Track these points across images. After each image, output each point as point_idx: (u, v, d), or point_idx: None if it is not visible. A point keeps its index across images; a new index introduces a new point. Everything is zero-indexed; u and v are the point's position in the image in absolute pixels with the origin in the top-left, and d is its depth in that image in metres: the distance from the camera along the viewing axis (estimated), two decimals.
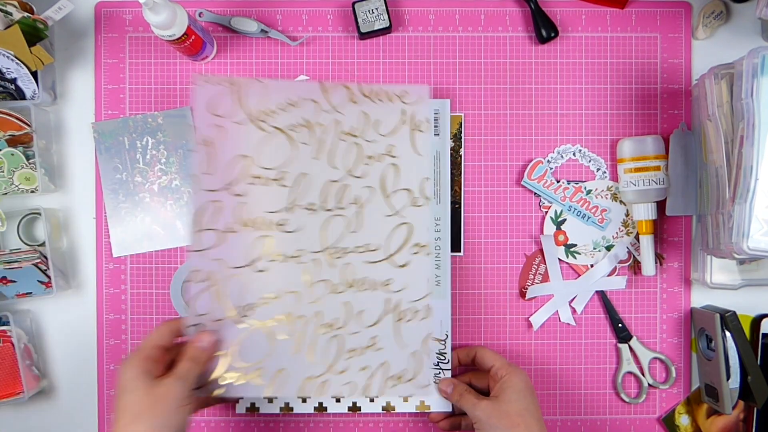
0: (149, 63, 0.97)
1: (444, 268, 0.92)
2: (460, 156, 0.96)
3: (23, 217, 0.96)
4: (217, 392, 0.83)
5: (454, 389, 0.88)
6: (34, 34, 0.89)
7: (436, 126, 0.92)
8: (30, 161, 0.92)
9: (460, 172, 0.96)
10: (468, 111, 0.97)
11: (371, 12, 0.94)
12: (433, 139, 0.92)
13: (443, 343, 0.90)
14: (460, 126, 0.96)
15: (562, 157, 0.96)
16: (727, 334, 0.90)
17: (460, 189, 0.96)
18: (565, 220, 0.96)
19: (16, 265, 0.90)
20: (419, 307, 0.87)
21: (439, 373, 0.91)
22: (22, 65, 0.88)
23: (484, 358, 0.89)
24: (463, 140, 0.96)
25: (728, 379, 0.90)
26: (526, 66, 0.97)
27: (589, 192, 0.96)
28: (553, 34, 0.94)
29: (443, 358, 0.91)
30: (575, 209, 0.96)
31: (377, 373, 0.87)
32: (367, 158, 0.87)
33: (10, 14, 0.88)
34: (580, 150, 0.96)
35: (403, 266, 0.87)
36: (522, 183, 0.95)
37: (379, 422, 0.97)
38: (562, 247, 0.96)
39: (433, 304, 0.89)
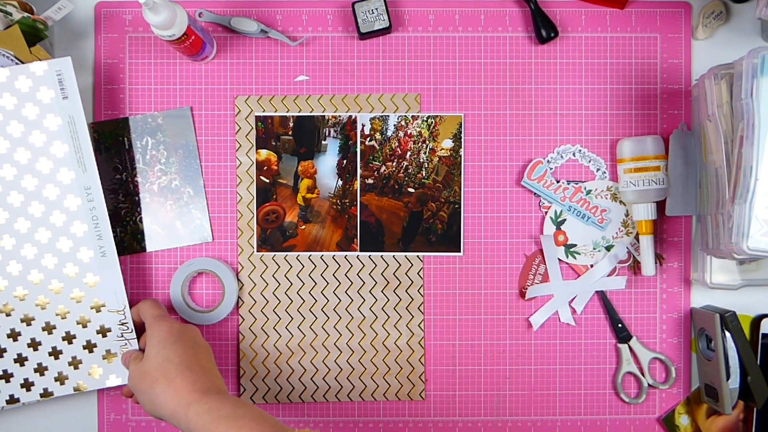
0: (149, 63, 0.97)
1: (106, 237, 0.89)
2: (460, 156, 0.96)
3: None
4: None
5: (124, 356, 0.88)
6: (34, 34, 0.89)
7: (62, 89, 0.88)
8: None
9: (460, 172, 0.96)
10: (468, 111, 0.97)
11: (371, 12, 0.94)
12: (62, 104, 0.88)
13: (122, 313, 0.89)
14: (460, 126, 0.96)
15: (562, 157, 0.97)
16: (727, 334, 0.90)
17: (460, 189, 0.96)
18: (564, 220, 0.96)
19: None
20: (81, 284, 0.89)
21: (125, 344, 0.90)
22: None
23: (139, 315, 0.88)
24: (463, 140, 0.96)
25: (728, 379, 0.90)
26: (526, 66, 0.97)
27: (588, 192, 0.96)
28: (553, 34, 0.95)
29: (126, 328, 0.89)
30: (575, 209, 0.96)
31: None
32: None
33: (10, 14, 0.88)
34: (580, 150, 0.96)
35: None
36: (522, 183, 0.96)
37: (379, 423, 0.97)
38: (562, 247, 0.96)
39: (100, 276, 0.89)
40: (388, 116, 0.96)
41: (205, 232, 0.96)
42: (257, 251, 0.96)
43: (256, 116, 0.96)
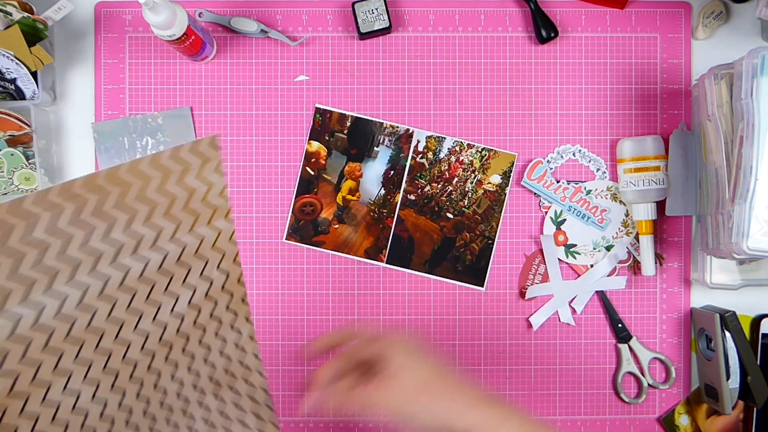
0: (149, 63, 0.97)
1: None
2: (505, 194, 0.96)
3: None
4: None
5: (334, 391, 0.68)
6: (34, 34, 0.89)
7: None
8: (30, 161, 0.92)
9: (502, 209, 0.96)
10: (468, 111, 0.97)
11: (371, 12, 0.94)
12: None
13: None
14: (512, 165, 0.96)
15: (562, 157, 0.96)
16: (727, 334, 0.90)
17: (497, 225, 0.96)
18: (565, 220, 0.96)
19: None
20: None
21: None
22: (22, 65, 0.88)
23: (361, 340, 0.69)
24: (511, 180, 0.96)
25: (728, 379, 0.90)
26: (526, 66, 0.97)
27: (589, 192, 0.96)
28: (553, 34, 0.94)
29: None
30: (575, 209, 0.96)
31: None
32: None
33: (10, 14, 0.88)
34: (580, 150, 0.96)
35: None
36: (522, 183, 0.95)
37: (379, 422, 0.97)
38: (562, 247, 0.96)
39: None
40: (444, 138, 0.96)
41: None
42: (285, 239, 0.96)
43: (316, 107, 0.96)
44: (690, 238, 0.97)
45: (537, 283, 0.96)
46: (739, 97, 0.80)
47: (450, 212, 0.96)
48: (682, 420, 0.97)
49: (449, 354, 0.97)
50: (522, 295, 0.97)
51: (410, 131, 0.96)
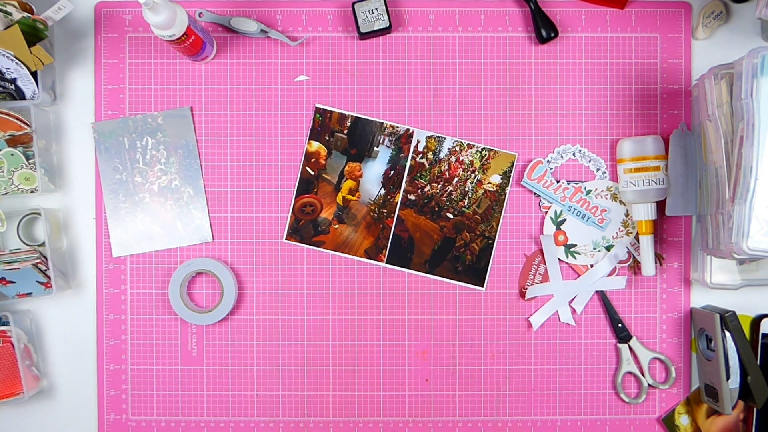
0: (149, 63, 0.97)
1: None
2: (506, 194, 0.96)
3: (23, 217, 0.96)
4: None
5: None
6: (34, 34, 0.89)
7: None
8: (30, 161, 0.92)
9: (502, 209, 0.96)
10: (468, 111, 0.97)
11: (371, 12, 0.94)
12: None
13: None
14: (512, 165, 0.96)
15: (562, 157, 0.97)
16: (727, 334, 0.90)
17: (498, 226, 0.96)
18: (565, 220, 0.96)
19: (15, 265, 0.90)
20: None
21: None
22: (22, 65, 0.88)
23: None
24: (511, 180, 0.96)
25: (728, 379, 0.90)
26: (526, 66, 0.97)
27: (588, 192, 0.96)
28: (553, 35, 0.94)
29: None
30: (575, 209, 0.96)
31: None
32: None
33: (10, 14, 0.88)
34: (580, 150, 0.96)
35: None
36: (522, 183, 0.95)
37: (379, 423, 0.97)
38: (562, 247, 0.96)
39: None
40: (444, 138, 0.96)
41: (205, 232, 0.96)
42: (285, 239, 0.96)
43: (316, 107, 0.96)
44: (690, 238, 0.97)
45: (537, 283, 0.96)
46: (739, 97, 0.80)
47: (450, 212, 0.96)
48: (682, 420, 0.97)
49: (449, 354, 0.97)
50: (522, 295, 0.97)
51: (410, 131, 0.96)
